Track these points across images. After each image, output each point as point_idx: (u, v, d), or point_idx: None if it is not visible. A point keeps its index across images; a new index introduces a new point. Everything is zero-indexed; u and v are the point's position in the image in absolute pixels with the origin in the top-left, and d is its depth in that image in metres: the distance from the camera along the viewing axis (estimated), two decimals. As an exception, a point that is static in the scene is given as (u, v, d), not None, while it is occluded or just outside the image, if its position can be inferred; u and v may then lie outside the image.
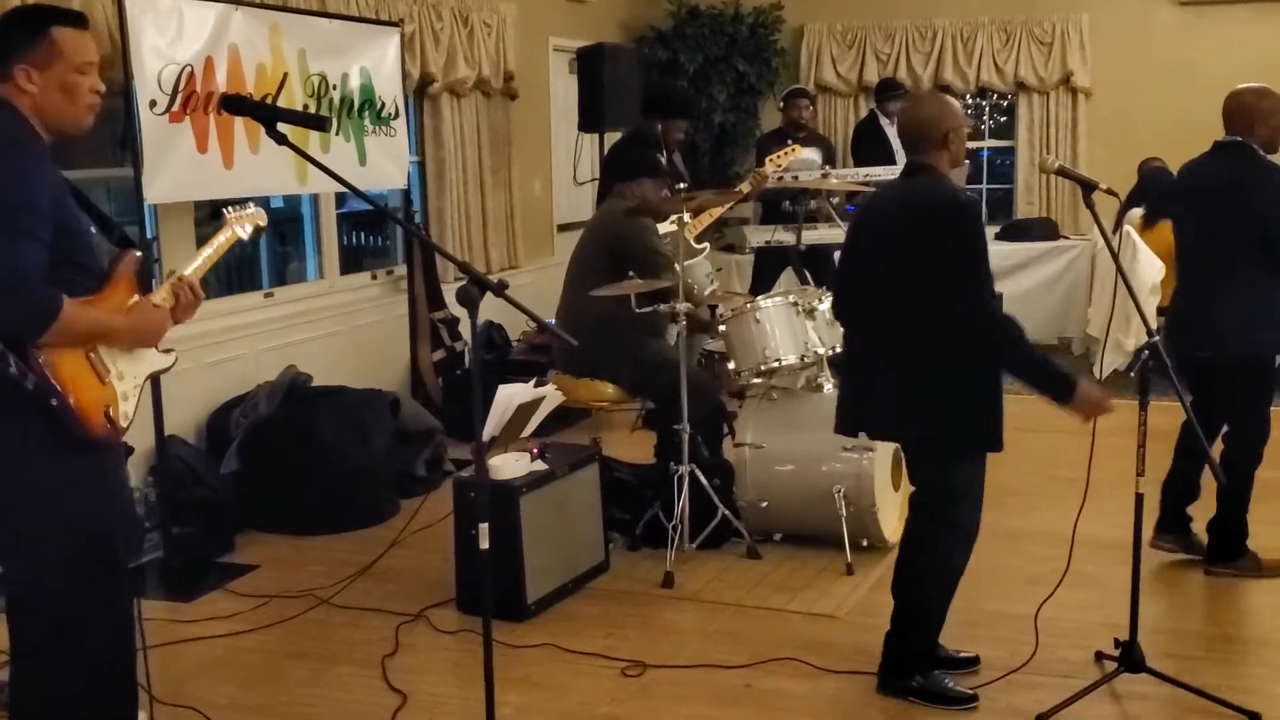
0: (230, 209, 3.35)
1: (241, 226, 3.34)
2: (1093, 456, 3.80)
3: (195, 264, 3.20)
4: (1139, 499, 3.71)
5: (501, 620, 4.42)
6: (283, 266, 8.39)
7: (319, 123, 3.09)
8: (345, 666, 4.16)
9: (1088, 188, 3.71)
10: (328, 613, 4.62)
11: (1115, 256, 3.71)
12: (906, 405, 3.65)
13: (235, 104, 3.00)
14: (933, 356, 3.58)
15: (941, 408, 3.61)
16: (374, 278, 7.20)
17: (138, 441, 5.16)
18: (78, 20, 2.90)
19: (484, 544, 2.93)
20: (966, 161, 3.77)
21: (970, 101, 10.38)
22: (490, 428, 2.93)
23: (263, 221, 3.42)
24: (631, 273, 4.95)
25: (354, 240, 8.58)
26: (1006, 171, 10.44)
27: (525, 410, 2.97)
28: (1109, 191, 3.72)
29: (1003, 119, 10.56)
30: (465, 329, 7.48)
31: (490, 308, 7.86)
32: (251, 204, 3.39)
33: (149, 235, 5.08)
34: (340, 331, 6.71)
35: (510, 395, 2.92)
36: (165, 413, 5.27)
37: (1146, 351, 3.59)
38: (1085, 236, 9.26)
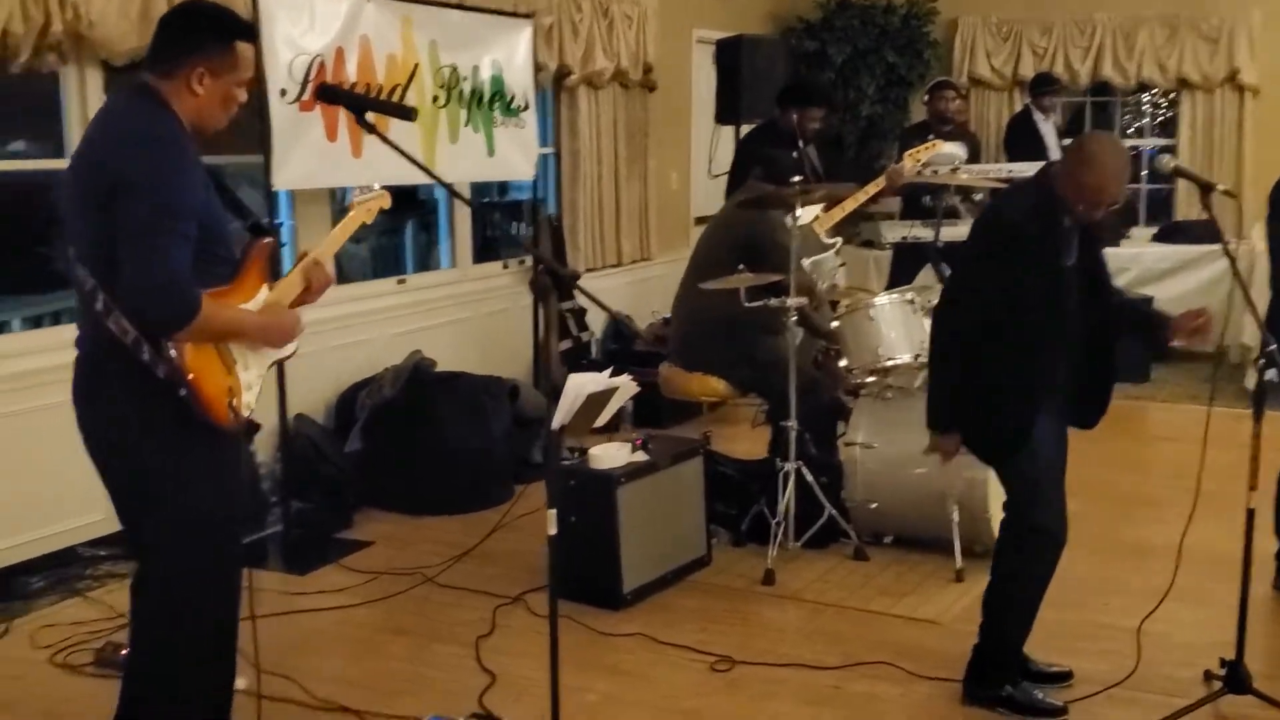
0: (358, 192, 3.44)
1: (365, 210, 3.42)
2: (1203, 468, 3.65)
3: (325, 246, 3.30)
4: (1250, 514, 3.55)
5: (596, 608, 4.49)
6: (425, 254, 8.61)
7: (405, 112, 3.16)
8: (442, 645, 4.25)
9: (1205, 189, 3.56)
10: (431, 591, 4.73)
11: (1233, 260, 3.55)
12: (933, 385, 3.77)
13: (329, 93, 3.09)
14: (943, 343, 3.66)
15: (970, 408, 3.63)
16: (505, 267, 7.31)
17: (265, 419, 5.35)
18: (253, 35, 3.01)
19: (551, 529, 2.96)
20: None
21: (1132, 99, 10.03)
22: (560, 416, 2.94)
23: (386, 203, 3.48)
24: (741, 266, 4.91)
25: (489, 229, 8.73)
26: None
27: (597, 400, 2.98)
28: (1227, 193, 3.56)
29: (1164, 116, 10.17)
30: (592, 320, 7.56)
31: (619, 299, 7.99)
32: (377, 185, 3.46)
33: (278, 221, 5.26)
34: (469, 319, 6.84)
35: (580, 384, 2.93)
36: (296, 392, 5.47)
37: (1263, 361, 3.43)
38: (1246, 240, 8.85)
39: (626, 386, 3.08)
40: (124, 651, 3.98)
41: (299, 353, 5.54)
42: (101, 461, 2.97)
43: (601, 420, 3.15)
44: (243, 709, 3.44)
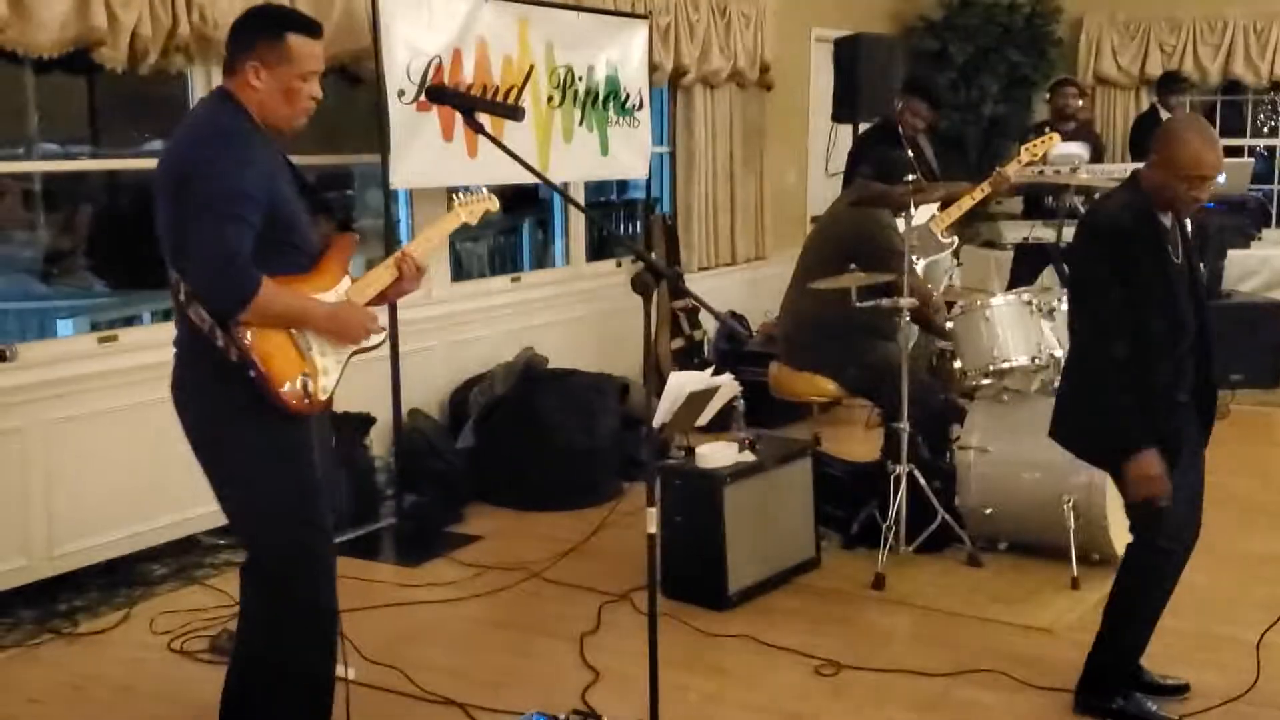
0: (459, 194, 3.48)
1: (468, 211, 3.47)
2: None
3: (420, 240, 3.38)
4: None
5: (702, 608, 4.47)
6: (541, 252, 8.69)
7: (512, 112, 3.20)
8: (546, 639, 4.28)
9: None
10: (538, 586, 4.76)
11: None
12: (1068, 414, 3.59)
13: (436, 94, 3.14)
14: (1084, 368, 3.50)
15: (1092, 419, 3.50)
16: (619, 265, 7.34)
17: (380, 413, 5.46)
18: (311, 29, 3.05)
19: (651, 528, 2.97)
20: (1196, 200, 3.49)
21: (1265, 97, 9.69)
22: (661, 414, 2.94)
23: (493, 206, 3.53)
24: (853, 265, 4.86)
25: (598, 229, 8.77)
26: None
27: (698, 399, 2.97)
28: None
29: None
30: (705, 318, 7.54)
31: (733, 298, 7.97)
32: (485, 189, 3.51)
33: (396, 219, 5.35)
34: (582, 316, 6.87)
35: (681, 383, 2.93)
36: (411, 388, 5.57)
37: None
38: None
39: (728, 386, 3.07)
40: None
41: (414, 349, 5.69)
42: (199, 453, 3.07)
43: (704, 419, 3.15)
44: (349, 698, 3.50)
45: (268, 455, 3.01)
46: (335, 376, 3.09)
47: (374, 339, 3.22)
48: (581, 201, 7.18)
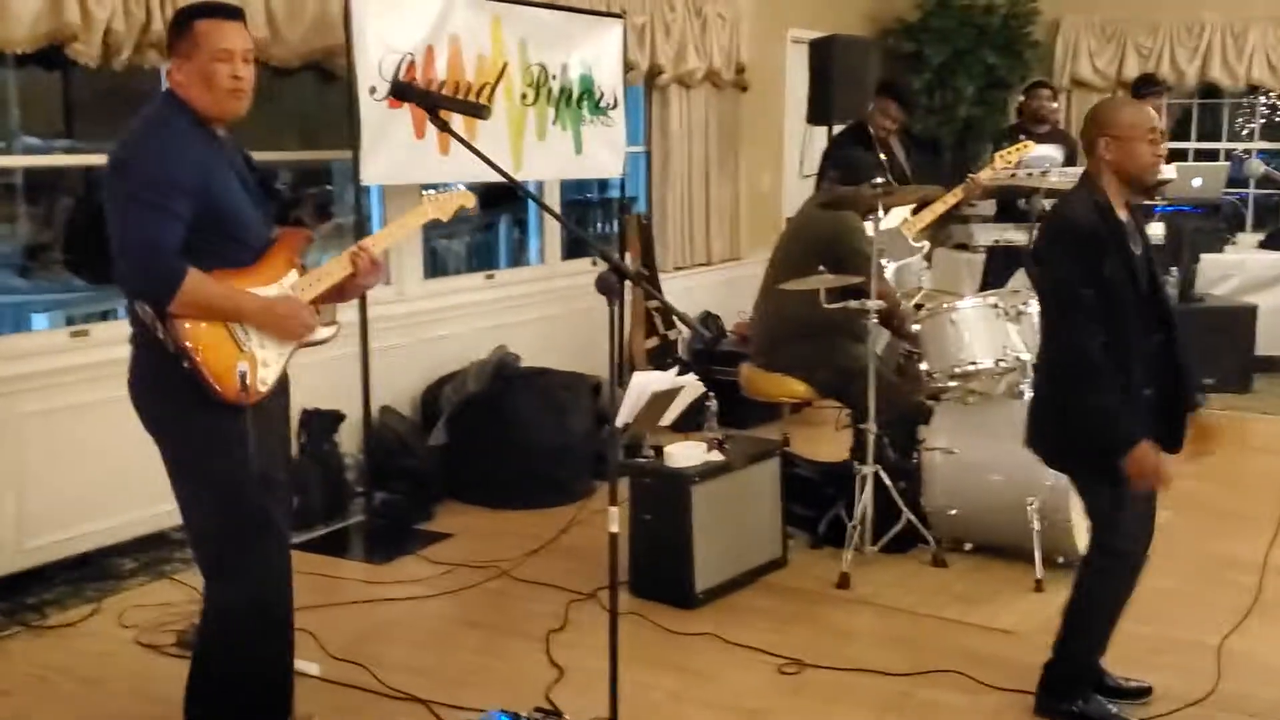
0: (431, 192, 3.49)
1: (436, 206, 3.47)
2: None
3: (379, 235, 3.40)
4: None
5: (669, 606, 4.50)
6: (518, 250, 8.70)
7: (477, 110, 3.22)
8: (512, 637, 4.30)
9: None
10: (507, 584, 4.78)
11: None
12: (1043, 419, 3.56)
13: (400, 90, 3.15)
14: (1055, 373, 3.50)
15: (1065, 425, 3.49)
16: (594, 264, 7.34)
17: (351, 410, 5.47)
18: (218, 11, 3.06)
19: (613, 527, 2.98)
20: (1162, 172, 3.54)
21: (1242, 101, 9.77)
22: (624, 414, 2.96)
23: (469, 202, 3.53)
24: (821, 267, 4.89)
25: (569, 227, 8.77)
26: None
27: (661, 399, 2.99)
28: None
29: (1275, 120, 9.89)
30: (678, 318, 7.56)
31: (708, 298, 7.99)
32: (461, 186, 3.51)
33: (368, 215, 5.36)
34: (556, 315, 6.88)
35: (645, 383, 2.95)
36: (383, 385, 5.58)
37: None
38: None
39: (692, 386, 3.09)
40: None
41: (386, 346, 5.69)
42: (155, 440, 3.11)
43: (667, 419, 3.17)
44: (314, 694, 3.52)
45: (206, 446, 3.04)
46: (277, 369, 3.11)
47: (321, 333, 3.22)
48: (558, 199, 7.21)
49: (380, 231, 3.43)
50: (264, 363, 3.04)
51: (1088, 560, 3.66)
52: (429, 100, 3.09)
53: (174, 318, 2.89)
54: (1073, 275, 3.38)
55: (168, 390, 2.99)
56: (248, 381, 2.98)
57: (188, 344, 2.91)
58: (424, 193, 3.47)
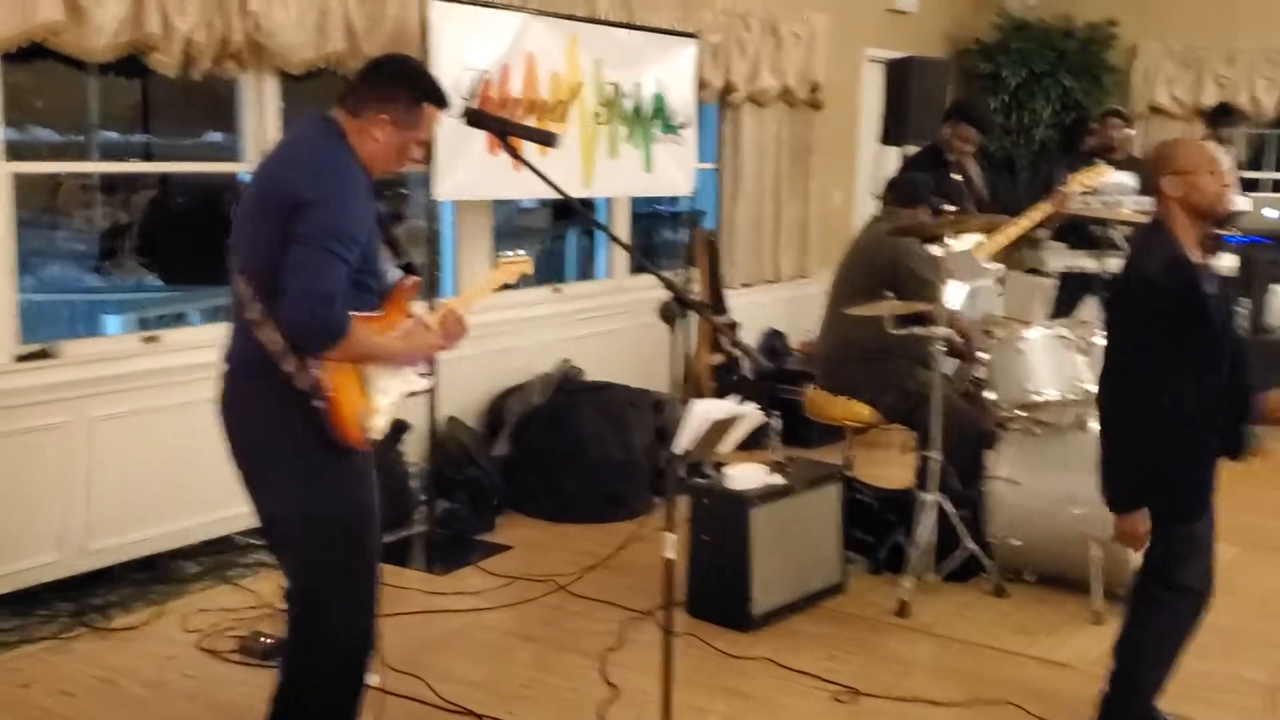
0: (504, 254, 3.54)
1: (508, 272, 3.53)
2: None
3: (461, 299, 3.45)
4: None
5: (725, 628, 4.50)
6: (586, 263, 8.75)
7: (546, 138, 3.24)
8: (569, 654, 4.32)
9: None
10: (564, 600, 4.81)
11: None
12: (1107, 462, 3.50)
13: (474, 117, 3.19)
14: (1120, 416, 3.44)
15: (1131, 470, 3.44)
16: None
17: (417, 420, 5.53)
18: (444, 102, 3.12)
19: (669, 553, 2.99)
20: (1234, 203, 3.51)
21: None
22: (683, 441, 2.98)
23: (529, 269, 3.58)
24: (889, 293, 4.88)
25: (646, 241, 8.83)
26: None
27: (720, 427, 3.00)
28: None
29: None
30: (746, 335, 7.57)
31: (775, 315, 7.98)
32: (523, 252, 3.56)
33: (438, 229, 5.41)
34: (621, 329, 6.90)
35: (705, 411, 2.96)
36: (449, 395, 5.63)
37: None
38: None
39: (752, 415, 3.09)
40: (264, 639, 4.18)
41: (453, 357, 5.73)
42: (246, 469, 3.11)
43: (726, 447, 3.17)
44: (371, 705, 3.56)
45: (323, 483, 3.04)
46: (388, 418, 3.13)
47: (424, 383, 3.25)
48: (626, 214, 7.23)
49: (463, 294, 3.47)
50: (379, 410, 3.06)
51: (1144, 596, 3.61)
52: (501, 127, 3.13)
53: (315, 359, 2.91)
54: (1141, 331, 3.36)
55: (286, 422, 2.98)
56: (365, 426, 3.01)
57: (325, 386, 2.92)
58: (499, 255, 3.52)
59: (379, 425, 3.08)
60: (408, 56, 3.25)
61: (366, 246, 2.99)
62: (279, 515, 3.13)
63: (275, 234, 2.90)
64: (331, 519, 3.06)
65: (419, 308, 3.27)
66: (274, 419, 3.01)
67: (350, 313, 2.91)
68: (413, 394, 3.20)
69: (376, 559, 3.23)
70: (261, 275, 2.95)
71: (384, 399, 3.08)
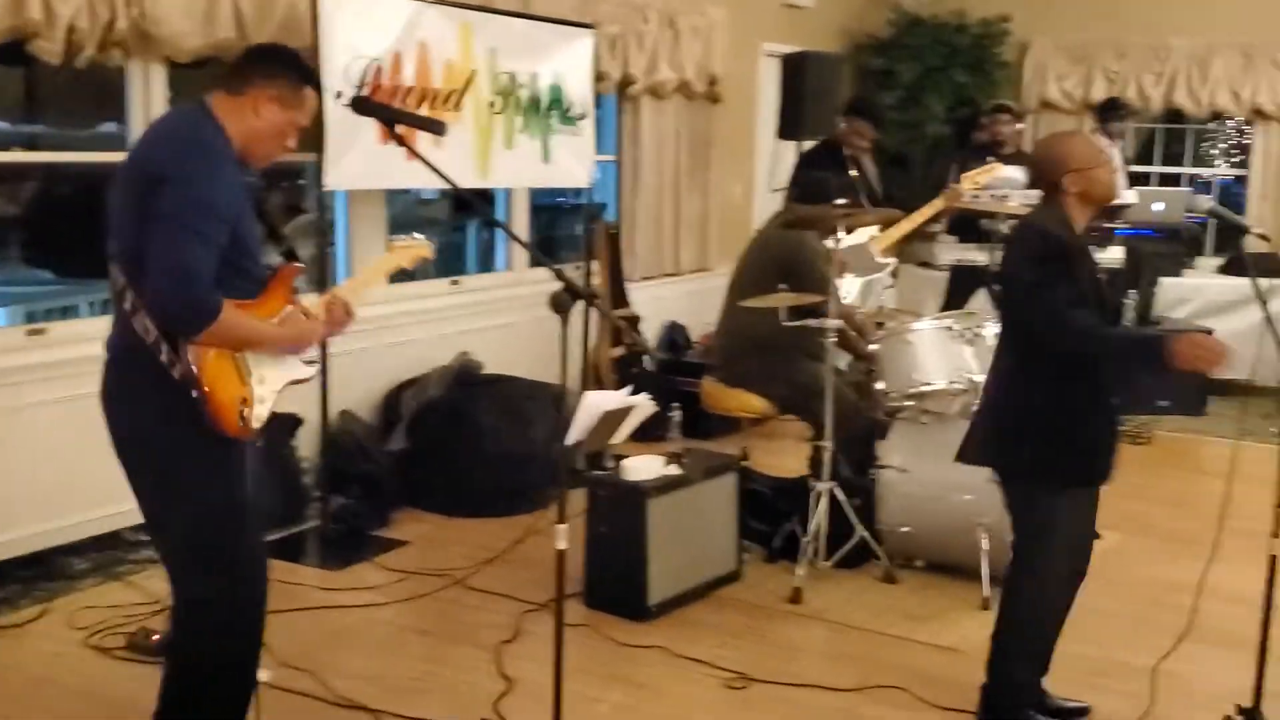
0: (398, 239, 3.49)
1: (404, 255, 3.47)
2: (1226, 507, 3.69)
3: (350, 285, 3.37)
4: (1272, 561, 3.49)
5: (622, 619, 4.53)
6: (487, 255, 8.72)
7: (435, 126, 3.23)
8: (464, 647, 4.31)
9: (1239, 232, 3.53)
10: (460, 594, 4.79)
11: (1264, 303, 3.50)
12: (987, 429, 3.65)
13: (362, 106, 3.17)
14: (1014, 379, 3.58)
15: (1017, 432, 3.57)
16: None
17: (309, 414, 5.47)
18: (320, 90, 3.13)
19: (560, 544, 3.01)
20: (1123, 197, 3.67)
21: (1208, 127, 9.91)
22: (575, 433, 2.99)
23: (429, 254, 3.53)
24: (782, 285, 4.94)
25: (547, 234, 8.81)
26: (1241, 202, 9.88)
27: (613, 418, 3.02)
28: (1262, 237, 3.53)
29: (1240, 147, 10.02)
30: (646, 328, 7.61)
31: (676, 308, 8.02)
32: (420, 235, 3.52)
33: (332, 219, 5.36)
34: (521, 321, 6.87)
35: (596, 402, 2.98)
36: (343, 389, 5.57)
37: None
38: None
39: (644, 406, 3.12)
40: (154, 637, 4.11)
41: (347, 350, 5.69)
42: (123, 460, 3.05)
43: (618, 438, 3.19)
44: (262, 701, 3.52)
45: (205, 473, 2.99)
46: (269, 406, 3.08)
47: (309, 370, 3.21)
48: (525, 206, 7.22)
49: (353, 280, 3.42)
50: (260, 399, 3.01)
51: (1010, 579, 3.71)
52: (389, 115, 3.11)
53: (189, 345, 2.85)
54: (1044, 278, 3.41)
55: (164, 412, 2.93)
56: (245, 414, 2.96)
57: (201, 375, 2.87)
58: (391, 240, 3.48)
59: (259, 414, 3.02)
60: (284, 45, 3.20)
61: (239, 227, 2.93)
62: (161, 508, 3.07)
63: (139, 215, 2.84)
64: (212, 512, 3.01)
65: (309, 299, 3.24)
66: (153, 410, 2.96)
67: (225, 298, 2.87)
68: (297, 382, 3.16)
69: (260, 552, 3.19)
70: (131, 262, 2.89)
71: (264, 388, 3.02)
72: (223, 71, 3.13)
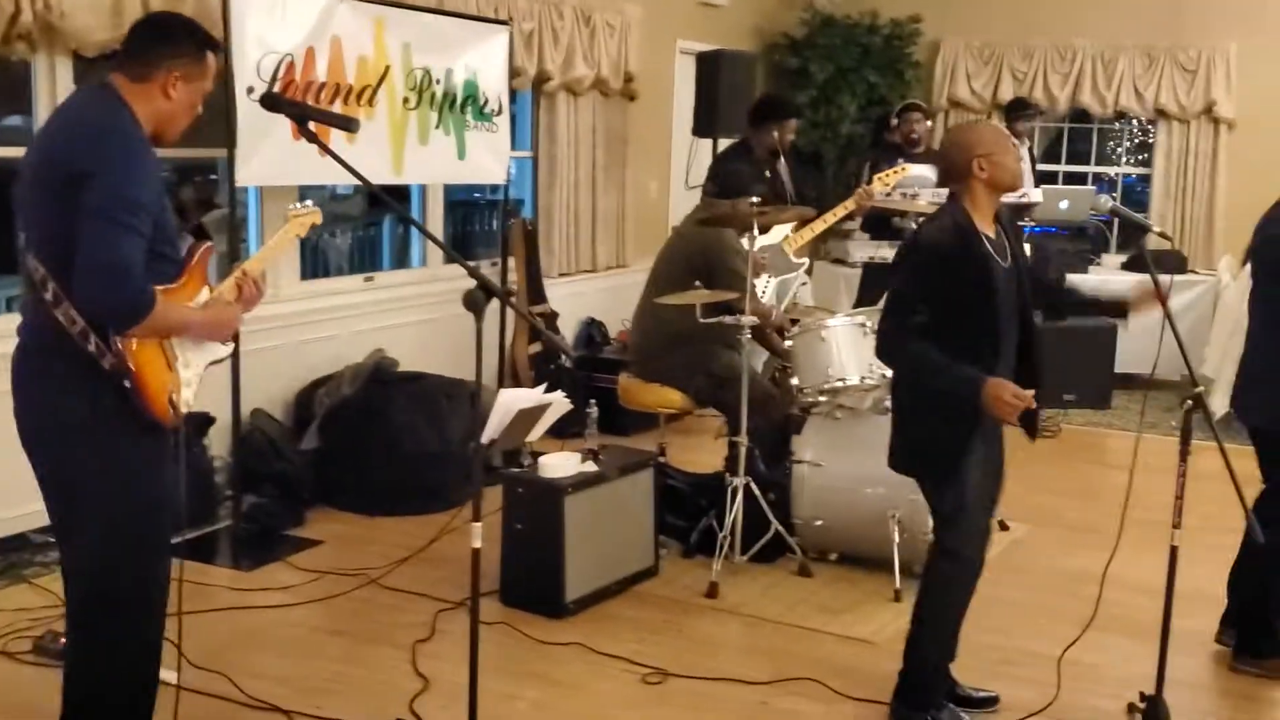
0: (294, 206, 3.45)
1: (299, 224, 3.42)
2: (1129, 498, 3.77)
3: (257, 258, 3.33)
4: (1173, 551, 3.58)
5: (539, 616, 4.53)
6: (401, 252, 8.66)
7: (346, 123, 3.21)
8: (378, 647, 4.28)
9: (1140, 230, 3.63)
10: (375, 593, 4.76)
11: (1164, 301, 3.60)
12: (896, 425, 3.77)
13: (272, 102, 3.14)
14: (898, 380, 3.77)
15: (905, 429, 3.73)
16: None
17: (220, 412, 5.39)
18: (218, 49, 3.07)
19: (475, 543, 3.01)
20: (1024, 190, 3.79)
21: (1112, 126, 10.14)
22: (490, 431, 2.99)
23: (318, 219, 3.48)
24: (698, 282, 4.97)
25: (463, 230, 8.77)
26: (1145, 200, 10.12)
27: (527, 416, 3.03)
28: (1162, 235, 3.63)
29: (1144, 145, 10.27)
30: (564, 324, 7.60)
31: (593, 305, 8.03)
32: (310, 202, 3.48)
33: (242, 216, 5.28)
34: (437, 319, 6.83)
35: (511, 400, 2.98)
36: (255, 387, 5.50)
37: (1189, 402, 3.49)
38: (1213, 272, 8.94)
39: (559, 404, 3.12)
40: (60, 638, 4.03)
41: (259, 348, 5.62)
42: (36, 453, 3.00)
43: (533, 436, 3.20)
44: (171, 703, 3.47)
45: (127, 465, 2.96)
46: (195, 389, 3.08)
47: (226, 350, 3.20)
48: (440, 203, 7.18)
49: (257, 254, 3.38)
50: (186, 383, 3.00)
51: (928, 567, 3.79)
52: (299, 111, 3.08)
53: (117, 336, 2.82)
54: (910, 290, 3.56)
55: (85, 405, 2.88)
56: (174, 401, 2.93)
57: (131, 364, 2.84)
58: (290, 209, 3.43)
59: (186, 399, 3.03)
60: (173, 12, 3.14)
61: (160, 214, 2.91)
62: (74, 499, 3.01)
63: (60, 209, 2.81)
64: (130, 502, 2.98)
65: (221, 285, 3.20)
66: (70, 400, 2.91)
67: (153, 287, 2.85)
68: (216, 361, 3.15)
69: (168, 551, 3.14)
70: (53, 252, 2.85)
71: (189, 371, 3.03)
72: (120, 51, 3.07)
